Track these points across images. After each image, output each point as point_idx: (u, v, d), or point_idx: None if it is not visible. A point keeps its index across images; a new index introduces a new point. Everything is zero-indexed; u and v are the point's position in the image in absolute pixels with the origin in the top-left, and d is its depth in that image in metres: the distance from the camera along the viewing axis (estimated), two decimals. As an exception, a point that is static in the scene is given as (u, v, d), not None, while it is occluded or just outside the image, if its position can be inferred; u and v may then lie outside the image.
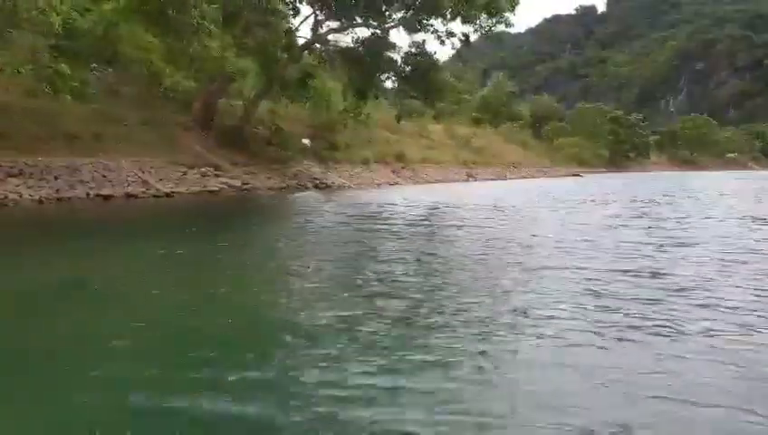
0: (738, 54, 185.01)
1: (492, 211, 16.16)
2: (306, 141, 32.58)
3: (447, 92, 32.34)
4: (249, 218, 16.03)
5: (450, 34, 25.52)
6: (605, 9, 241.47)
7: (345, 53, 26.20)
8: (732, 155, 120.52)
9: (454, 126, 53.58)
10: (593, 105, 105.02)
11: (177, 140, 26.25)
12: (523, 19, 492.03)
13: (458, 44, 25.93)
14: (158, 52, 23.91)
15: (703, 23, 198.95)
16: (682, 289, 6.00)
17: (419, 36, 26.50)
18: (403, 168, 37.52)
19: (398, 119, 33.11)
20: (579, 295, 5.75)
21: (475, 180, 41.98)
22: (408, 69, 26.16)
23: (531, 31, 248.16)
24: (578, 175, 57.46)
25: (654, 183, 40.53)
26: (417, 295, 5.77)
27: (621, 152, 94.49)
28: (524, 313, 5.03)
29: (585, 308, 5.23)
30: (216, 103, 28.66)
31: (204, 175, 24.03)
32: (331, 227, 13.37)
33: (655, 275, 6.88)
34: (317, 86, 32.96)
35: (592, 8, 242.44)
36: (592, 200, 21.72)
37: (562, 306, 5.28)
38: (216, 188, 23.25)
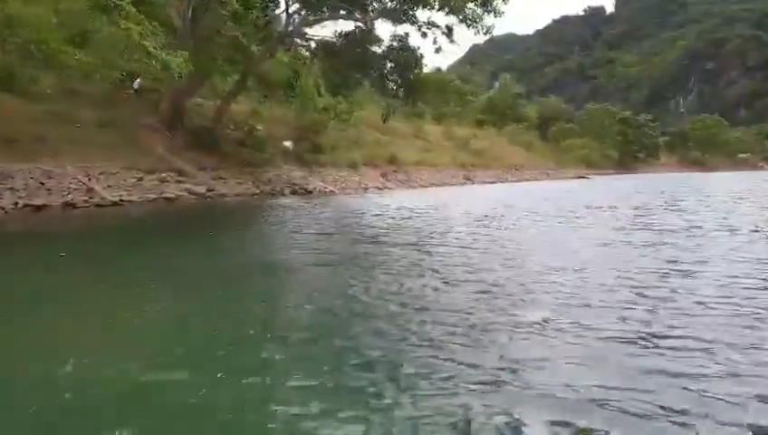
0: (748, 54, 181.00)
1: (473, 225, 13.55)
2: (288, 144, 30.11)
3: (431, 90, 29.45)
4: (183, 233, 13.48)
5: (431, 25, 22.80)
6: (613, 10, 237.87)
7: (324, 47, 23.53)
8: (743, 155, 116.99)
9: (453, 127, 50.88)
10: (602, 106, 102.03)
11: (140, 143, 23.79)
12: (531, 21, 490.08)
13: (441, 37, 23.12)
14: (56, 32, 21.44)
15: (712, 22, 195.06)
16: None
17: (402, 29, 23.82)
18: (395, 171, 34.93)
19: (385, 118, 30.54)
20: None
21: (473, 184, 39.31)
22: (389, 64, 23.50)
23: (539, 32, 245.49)
24: (584, 177, 54.60)
25: (663, 185, 37.70)
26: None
27: (630, 153, 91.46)
28: None
29: None
30: (186, 103, 26.18)
31: (163, 181, 21.55)
32: (265, 244, 10.85)
33: (646, 339, 4.33)
34: (302, 85, 30.54)
35: (600, 9, 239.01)
36: (595, 207, 19.00)
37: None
38: (174, 196, 20.75)
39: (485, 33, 22.71)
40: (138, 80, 28.09)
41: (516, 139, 63.84)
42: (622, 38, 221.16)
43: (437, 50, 22.12)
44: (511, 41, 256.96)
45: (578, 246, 9.52)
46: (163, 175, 21.91)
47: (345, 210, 18.83)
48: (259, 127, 30.83)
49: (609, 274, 6.88)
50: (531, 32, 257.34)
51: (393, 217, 15.75)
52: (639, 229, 11.76)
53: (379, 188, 31.03)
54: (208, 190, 22.47)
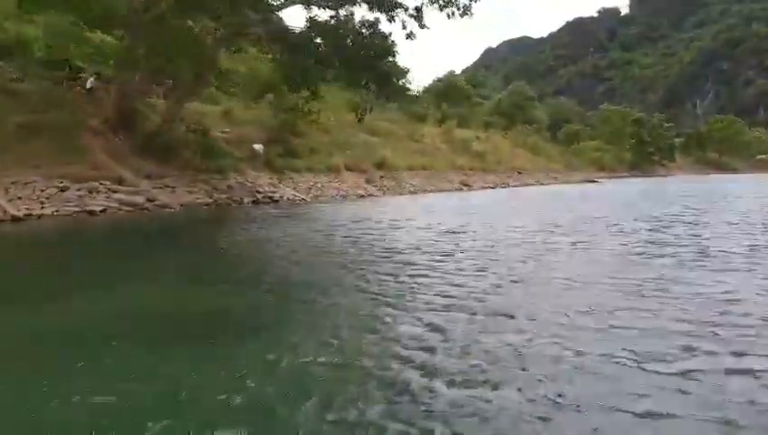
0: (766, 53, 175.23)
1: (431, 248, 10.15)
2: (258, 147, 26.81)
3: (404, 83, 25.87)
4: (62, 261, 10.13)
5: (396, 6, 19.15)
6: (628, 11, 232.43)
7: (284, 37, 20.11)
8: (762, 156, 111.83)
9: (452, 129, 47.30)
10: (615, 107, 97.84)
11: (78, 148, 20.58)
12: (546, 23, 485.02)
13: (411, 22, 19.49)
14: None
15: (728, 22, 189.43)
16: None
17: (360, 13, 20.32)
18: (382, 176, 31.51)
19: (360, 117, 27.23)
20: None
21: (471, 189, 35.78)
22: (360, 53, 19.98)
23: (553, 35, 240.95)
24: (594, 181, 50.73)
25: (678, 191, 33.94)
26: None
27: (645, 155, 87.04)
28: None
29: None
30: (137, 103, 23.00)
31: (92, 191, 18.31)
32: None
33: None
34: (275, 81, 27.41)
35: (615, 10, 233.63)
36: (594, 218, 15.46)
37: None
38: (101, 208, 17.50)
39: (462, 15, 19.23)
40: (91, 78, 25.05)
41: (523, 141, 60.05)
42: (637, 39, 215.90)
43: (408, 35, 18.72)
44: (525, 43, 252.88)
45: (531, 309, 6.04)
46: (94, 184, 18.68)
47: (295, 223, 15.47)
48: (227, 130, 27.67)
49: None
50: (545, 34, 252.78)
51: (330, 235, 12.38)
52: (645, 264, 8.25)
53: (362, 196, 27.66)
54: (148, 201, 19.22)
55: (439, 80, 74.22)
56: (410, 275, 7.23)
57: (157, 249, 11.41)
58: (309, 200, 24.47)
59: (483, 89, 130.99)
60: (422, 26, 19.54)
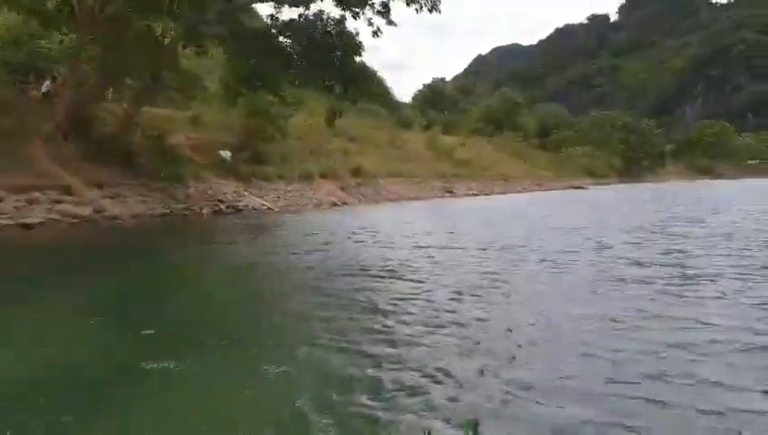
0: (754, 59, 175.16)
1: (375, 267, 8.79)
2: (225, 153, 25.41)
3: (371, 85, 24.32)
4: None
5: (364, 2, 17.65)
6: (617, 17, 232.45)
7: (240, 34, 18.62)
8: (752, 162, 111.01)
9: (436, 135, 46.00)
10: (604, 112, 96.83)
11: (23, 156, 19.11)
12: (536, 31, 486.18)
13: (378, 19, 18.02)
14: None
15: (717, 28, 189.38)
16: None
17: (338, 12, 18.81)
18: (359, 184, 30.12)
19: (330, 121, 25.80)
20: None
21: (453, 196, 34.45)
22: (326, 52, 18.47)
23: (543, 42, 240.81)
24: (580, 187, 49.47)
25: (666, 197, 32.76)
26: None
27: (634, 161, 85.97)
28: None
29: None
30: (91, 107, 21.53)
31: (31, 202, 16.79)
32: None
33: None
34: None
35: (605, 17, 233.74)
36: (562, 232, 14.13)
37: None
38: (41, 220, 16.02)
39: (431, 10, 17.84)
40: (47, 82, 23.65)
41: (510, 148, 58.83)
42: (627, 46, 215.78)
43: (375, 33, 17.37)
44: (515, 50, 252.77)
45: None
46: (35, 195, 17.18)
47: (251, 238, 14.07)
48: (192, 136, 26.25)
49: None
50: (535, 41, 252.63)
51: (283, 255, 10.99)
52: (618, 305, 6.87)
53: (336, 204, 26.28)
54: (96, 212, 17.74)
55: (426, 86, 73.10)
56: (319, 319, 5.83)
57: (73, 272, 9.94)
58: (277, 210, 23.04)
59: (472, 96, 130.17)
60: (389, 23, 18.16)
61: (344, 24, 18.14)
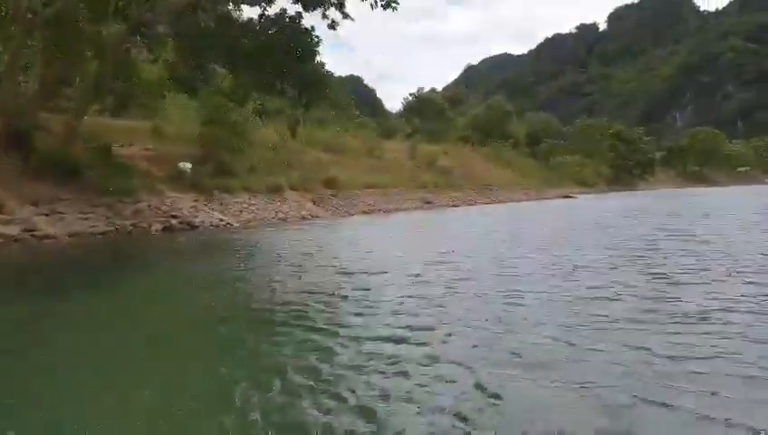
0: (744, 67, 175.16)
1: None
2: (184, 165, 23.69)
3: (328, 90, 22.56)
4: None
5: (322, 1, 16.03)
6: (606, 26, 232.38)
7: (187, 33, 16.90)
8: (743, 169, 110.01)
9: (418, 144, 44.42)
10: (593, 120, 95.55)
11: (-50, 170, 17.48)
12: (526, 40, 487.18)
13: (335, 15, 16.30)
14: None
15: (706, 36, 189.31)
16: None
17: (294, 9, 17.07)
18: (332, 196, 28.45)
19: (293, 131, 24.19)
20: None
21: (433, 208, 32.81)
22: (279, 53, 16.74)
23: (533, 51, 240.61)
24: (569, 197, 47.94)
25: (657, 206, 31.29)
26: None
27: (625, 170, 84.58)
28: None
29: None
30: (29, 118, 19.81)
31: (-51, 221, 15.13)
32: None
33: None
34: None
35: (593, 26, 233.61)
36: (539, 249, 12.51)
37: None
38: (-45, 242, 14.32)
39: (386, 7, 16.18)
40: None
41: (498, 156, 57.32)
42: (616, 54, 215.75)
43: (331, 25, 15.67)
44: (505, 60, 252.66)
45: None
46: (-44, 213, 15.52)
47: (188, 262, 12.40)
48: (149, 147, 24.59)
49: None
50: (525, 51, 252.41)
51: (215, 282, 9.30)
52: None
53: (305, 218, 24.58)
54: (26, 231, 15.99)
55: (413, 95, 71.61)
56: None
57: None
58: (237, 225, 21.32)
59: (463, 106, 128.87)
60: (345, 16, 16.49)
61: (300, 23, 16.48)
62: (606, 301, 6.63)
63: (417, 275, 8.99)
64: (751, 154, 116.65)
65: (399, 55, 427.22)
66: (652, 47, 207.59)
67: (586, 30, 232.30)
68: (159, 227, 19.12)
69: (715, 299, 6.42)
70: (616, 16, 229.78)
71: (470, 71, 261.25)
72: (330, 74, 25.94)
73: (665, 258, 10.10)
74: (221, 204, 22.83)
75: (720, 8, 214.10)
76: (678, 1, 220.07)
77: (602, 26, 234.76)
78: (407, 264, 10.57)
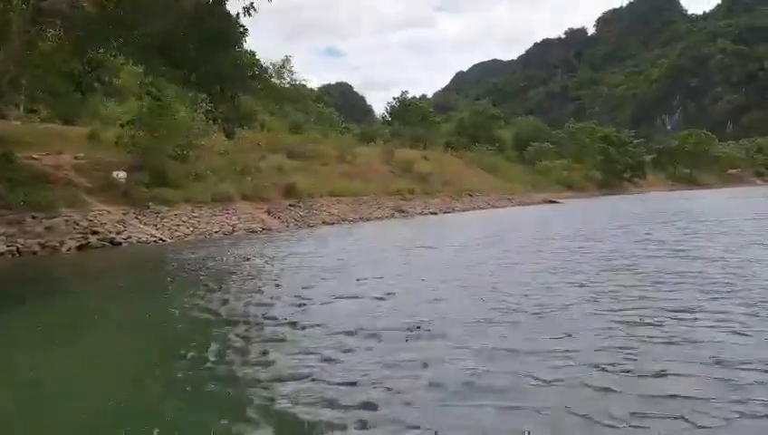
0: (732, 69, 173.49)
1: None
2: (118, 174, 21.11)
3: (252, 84, 19.87)
4: None
5: None
6: (594, 31, 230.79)
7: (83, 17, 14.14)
8: (734, 171, 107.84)
9: (393, 148, 41.87)
10: (582, 123, 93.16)
11: None
12: (516, 46, 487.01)
13: None
14: None
15: (695, 39, 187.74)
16: None
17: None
18: (292, 206, 25.85)
19: (228, 133, 21.63)
20: None
21: (407, 216, 30.26)
22: (196, 41, 14.04)
23: (522, 57, 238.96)
24: (554, 201, 45.45)
25: (645, 212, 28.90)
26: None
27: (615, 173, 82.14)
28: None
29: None
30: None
31: None
32: None
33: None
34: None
35: (582, 30, 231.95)
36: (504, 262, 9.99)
37: None
38: None
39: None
40: None
41: (482, 161, 54.82)
42: (605, 59, 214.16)
43: (247, 10, 13.12)
44: (495, 66, 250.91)
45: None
46: None
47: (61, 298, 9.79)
48: (81, 154, 21.99)
49: None
50: (515, 57, 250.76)
51: None
52: None
53: (255, 231, 21.97)
54: None
55: (396, 99, 69.08)
56: None
57: None
58: (170, 241, 18.72)
59: (452, 111, 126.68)
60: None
61: (224, 5, 13.87)
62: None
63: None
64: (741, 155, 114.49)
65: (390, 63, 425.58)
66: (641, 51, 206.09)
67: (574, 35, 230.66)
68: (74, 244, 16.51)
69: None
70: (604, 21, 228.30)
71: (460, 77, 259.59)
72: (257, 65, 23.25)
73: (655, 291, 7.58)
74: (157, 217, 20.20)
75: (707, 11, 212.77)
76: (666, 4, 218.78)
77: (591, 31, 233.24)
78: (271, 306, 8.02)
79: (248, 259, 13.59)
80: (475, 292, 8.17)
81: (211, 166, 24.96)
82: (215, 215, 22.11)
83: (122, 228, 18.45)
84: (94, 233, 17.55)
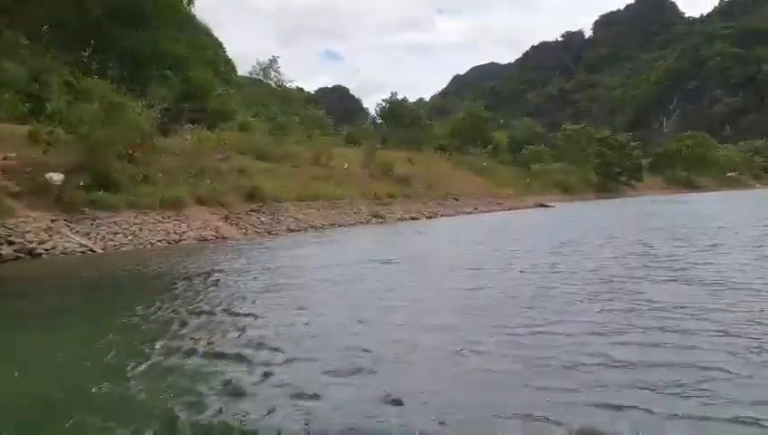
0: (730, 71, 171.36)
1: None
2: (53, 176, 18.94)
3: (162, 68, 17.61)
4: None
5: None
6: (592, 33, 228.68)
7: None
8: (732, 174, 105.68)
9: (374, 150, 39.61)
10: (578, 125, 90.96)
11: None
12: (514, 49, 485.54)
13: None
14: None
15: (692, 41, 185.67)
16: None
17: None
18: (254, 211, 23.65)
19: (164, 130, 19.50)
20: None
21: (384, 222, 28.10)
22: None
23: (519, 60, 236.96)
24: (546, 206, 43.22)
25: (641, 217, 26.86)
26: None
27: (611, 176, 79.96)
28: None
29: None
30: None
31: None
32: None
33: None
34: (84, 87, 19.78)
35: (579, 33, 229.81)
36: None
37: None
38: None
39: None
40: None
41: (472, 164, 52.68)
42: (603, 61, 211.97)
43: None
44: (493, 69, 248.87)
45: None
46: None
47: None
48: (12, 154, 19.80)
49: None
50: (512, 60, 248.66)
51: None
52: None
53: (207, 239, 19.81)
54: None
55: (385, 101, 66.86)
56: None
57: None
58: (101, 252, 16.55)
59: (450, 114, 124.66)
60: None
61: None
62: None
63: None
64: (739, 158, 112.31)
65: (389, 65, 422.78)
66: (638, 53, 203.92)
67: (572, 37, 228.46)
68: (-19, 257, 14.34)
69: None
70: (601, 23, 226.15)
71: (458, 80, 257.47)
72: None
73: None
74: (92, 224, 18.00)
75: (705, 13, 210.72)
76: (663, 7, 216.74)
77: (588, 33, 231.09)
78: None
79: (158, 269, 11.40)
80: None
81: (164, 167, 22.74)
82: (161, 222, 19.90)
83: (47, 237, 16.26)
84: (10, 243, 15.38)
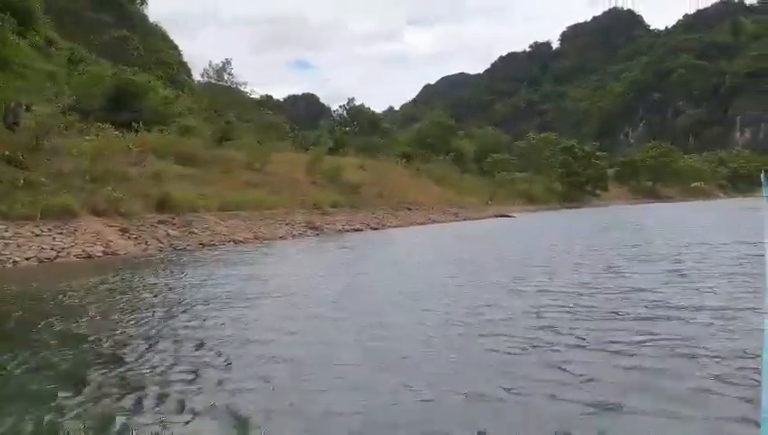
0: (693, 83, 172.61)
1: None
2: None
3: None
4: None
5: None
6: (559, 45, 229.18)
7: None
8: (697, 184, 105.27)
9: (322, 157, 36.59)
10: (542, 135, 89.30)
11: None
12: (484, 59, 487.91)
13: None
14: None
15: (657, 53, 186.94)
16: None
17: None
18: (162, 222, 20.42)
19: (10, 126, 16.36)
20: None
21: (321, 233, 25.07)
22: None
23: (488, 70, 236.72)
24: (507, 216, 40.62)
25: (600, 229, 24.41)
26: None
27: (576, 186, 78.19)
28: None
29: None
30: None
31: None
32: None
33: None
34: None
35: (547, 44, 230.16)
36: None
37: None
38: None
39: None
40: None
41: (431, 172, 50.02)
42: (570, 73, 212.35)
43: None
44: (462, 79, 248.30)
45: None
46: None
47: None
48: None
49: None
50: (481, 70, 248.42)
51: None
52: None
53: (94, 256, 16.54)
54: None
55: (342, 107, 64.11)
56: None
57: None
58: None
59: (417, 123, 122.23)
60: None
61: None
62: None
63: None
64: (705, 169, 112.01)
65: (360, 76, 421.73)
66: (604, 65, 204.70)
67: (540, 48, 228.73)
68: None
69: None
70: (569, 35, 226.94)
71: (428, 90, 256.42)
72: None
73: None
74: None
75: (669, 26, 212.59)
76: (630, 19, 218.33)
77: (555, 44, 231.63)
78: None
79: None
80: None
81: (56, 171, 19.44)
82: (38, 235, 16.57)
83: None
84: None
